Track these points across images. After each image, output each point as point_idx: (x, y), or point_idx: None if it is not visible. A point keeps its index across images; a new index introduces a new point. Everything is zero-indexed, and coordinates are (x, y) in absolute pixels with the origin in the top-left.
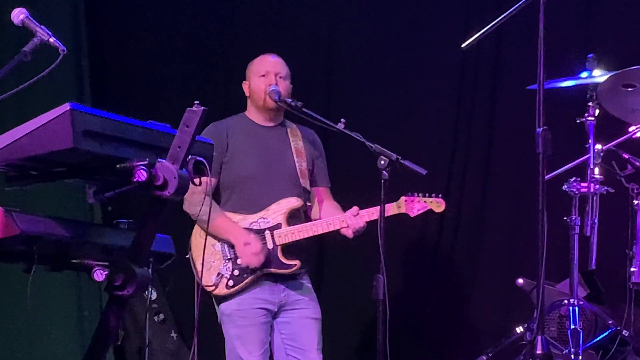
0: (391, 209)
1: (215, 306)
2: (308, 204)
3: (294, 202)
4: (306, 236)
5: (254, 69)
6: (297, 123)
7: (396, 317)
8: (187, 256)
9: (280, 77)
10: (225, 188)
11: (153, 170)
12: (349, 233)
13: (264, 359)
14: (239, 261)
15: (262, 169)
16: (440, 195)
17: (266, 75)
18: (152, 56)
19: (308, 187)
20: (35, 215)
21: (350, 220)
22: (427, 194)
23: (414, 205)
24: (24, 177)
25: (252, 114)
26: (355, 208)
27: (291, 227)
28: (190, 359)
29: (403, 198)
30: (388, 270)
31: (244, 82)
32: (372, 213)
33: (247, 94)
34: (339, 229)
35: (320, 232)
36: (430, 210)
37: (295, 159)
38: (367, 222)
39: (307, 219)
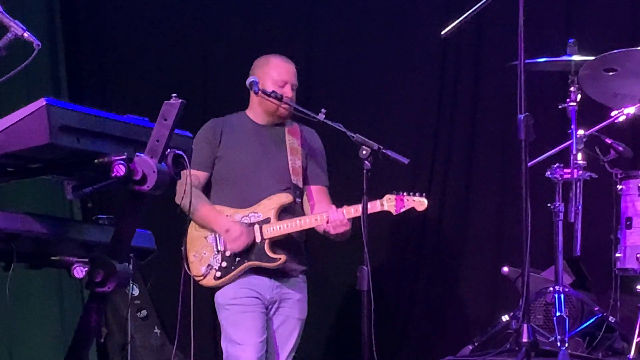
0: (374, 206)
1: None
2: (298, 200)
3: (284, 198)
4: (292, 230)
5: (272, 73)
6: (299, 122)
7: (381, 309)
8: (182, 247)
9: (293, 89)
10: (217, 182)
11: (131, 165)
12: (329, 229)
13: (262, 347)
14: (227, 253)
15: (253, 165)
16: (423, 194)
17: (284, 87)
18: (129, 49)
19: (300, 184)
20: (13, 212)
21: (332, 215)
22: (410, 193)
23: (396, 204)
24: (1, 174)
25: (255, 114)
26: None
27: (279, 221)
28: (174, 355)
29: (387, 196)
30: (372, 261)
31: (252, 77)
32: (357, 210)
33: (256, 91)
34: (324, 228)
35: (306, 226)
36: (413, 209)
37: (289, 157)
38: (350, 219)
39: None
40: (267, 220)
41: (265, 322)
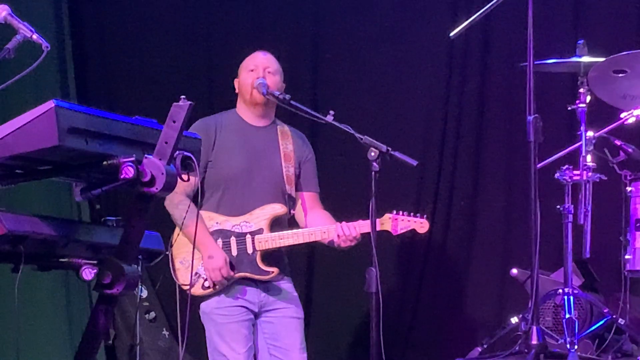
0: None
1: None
2: (292, 211)
3: (278, 209)
4: (286, 244)
5: (244, 64)
6: (288, 124)
7: (390, 310)
8: (167, 252)
9: (269, 72)
10: (209, 187)
11: (140, 167)
12: (340, 242)
13: (249, 356)
14: None
15: (246, 172)
16: (425, 216)
17: (255, 70)
18: (136, 51)
19: (293, 194)
20: (22, 214)
21: (340, 230)
22: (411, 214)
23: (397, 224)
24: (10, 176)
25: (242, 111)
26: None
27: (272, 233)
28: (181, 357)
29: (387, 215)
30: (380, 263)
31: (235, 79)
32: (361, 226)
33: (236, 90)
34: (331, 240)
35: (301, 241)
36: (414, 230)
37: (283, 164)
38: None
39: (292, 223)
40: (259, 231)
41: (251, 329)
